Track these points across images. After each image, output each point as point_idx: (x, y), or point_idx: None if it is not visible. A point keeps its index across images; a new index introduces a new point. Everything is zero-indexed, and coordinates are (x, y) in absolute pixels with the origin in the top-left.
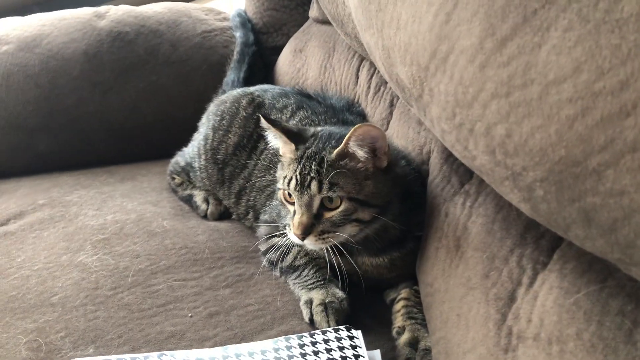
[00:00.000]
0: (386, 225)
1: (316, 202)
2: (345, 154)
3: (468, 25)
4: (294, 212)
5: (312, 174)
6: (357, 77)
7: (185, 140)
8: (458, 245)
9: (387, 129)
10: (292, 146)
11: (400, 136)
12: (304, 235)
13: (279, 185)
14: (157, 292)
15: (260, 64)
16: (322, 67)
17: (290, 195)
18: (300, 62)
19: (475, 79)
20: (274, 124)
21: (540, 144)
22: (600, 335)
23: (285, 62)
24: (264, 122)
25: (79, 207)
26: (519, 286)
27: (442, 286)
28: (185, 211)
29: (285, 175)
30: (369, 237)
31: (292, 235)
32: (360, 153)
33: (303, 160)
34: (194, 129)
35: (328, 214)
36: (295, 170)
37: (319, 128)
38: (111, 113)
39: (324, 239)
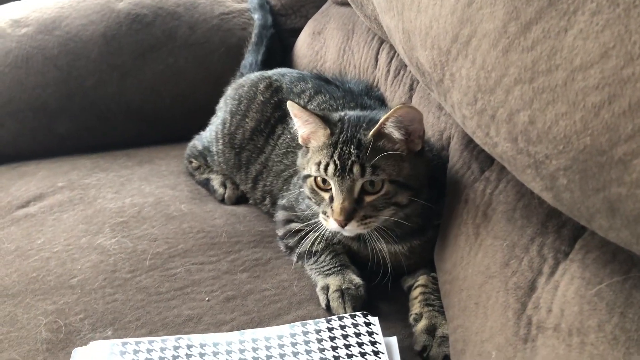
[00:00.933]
0: (410, 212)
1: (357, 187)
2: (381, 135)
3: (491, 8)
4: (331, 198)
5: (352, 158)
6: (377, 60)
7: (202, 124)
8: (477, 232)
9: None
10: (328, 131)
11: None
12: (347, 221)
13: (309, 172)
14: (174, 275)
15: (279, 46)
16: (340, 49)
17: (324, 182)
18: (319, 45)
19: (498, 63)
20: (307, 108)
21: (564, 132)
22: (622, 327)
23: (303, 45)
24: (294, 107)
25: (97, 190)
26: (539, 275)
27: (460, 274)
28: (202, 195)
29: (318, 162)
30: (390, 225)
31: (331, 223)
32: (396, 134)
33: (340, 145)
34: (212, 112)
35: (369, 198)
36: (332, 155)
37: (342, 113)
38: (129, 95)
39: (366, 223)
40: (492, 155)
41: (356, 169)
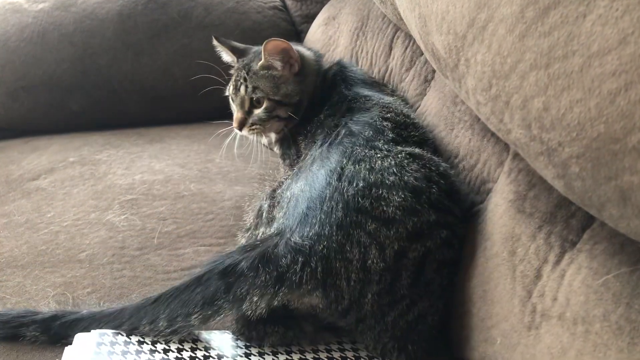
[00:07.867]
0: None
1: (247, 102)
2: (266, 66)
3: None
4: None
5: (241, 80)
6: (391, 48)
7: (215, 106)
8: None
9: (420, 105)
10: (235, 58)
11: (434, 114)
12: (240, 127)
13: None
14: (182, 255)
15: (292, 32)
16: (354, 34)
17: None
18: (333, 30)
19: (514, 49)
20: (222, 41)
21: (578, 119)
22: (628, 317)
23: (317, 30)
24: (215, 42)
25: (108, 166)
26: (545, 263)
27: (470, 263)
28: (212, 173)
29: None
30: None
31: (235, 129)
32: (278, 63)
33: (237, 70)
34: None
35: (256, 111)
36: (233, 77)
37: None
38: (143, 75)
39: (253, 129)
40: (506, 142)
41: (242, 88)
